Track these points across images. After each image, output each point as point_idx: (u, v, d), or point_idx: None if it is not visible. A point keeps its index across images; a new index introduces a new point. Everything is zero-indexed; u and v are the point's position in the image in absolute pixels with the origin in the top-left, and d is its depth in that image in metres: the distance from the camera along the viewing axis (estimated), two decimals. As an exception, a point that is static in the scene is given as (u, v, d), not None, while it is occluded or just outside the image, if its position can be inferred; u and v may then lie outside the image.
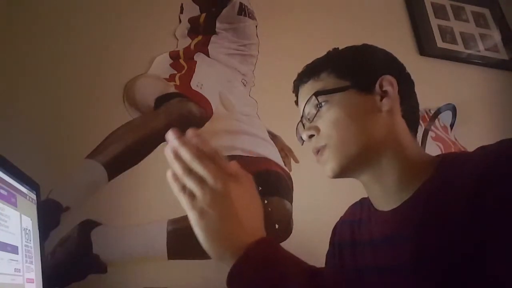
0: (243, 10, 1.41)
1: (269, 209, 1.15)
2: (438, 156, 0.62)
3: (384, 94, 0.64)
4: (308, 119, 0.67)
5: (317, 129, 0.64)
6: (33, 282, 0.66)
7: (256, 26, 1.42)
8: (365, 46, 0.71)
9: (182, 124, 1.17)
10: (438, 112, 1.50)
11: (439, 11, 1.78)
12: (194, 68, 1.27)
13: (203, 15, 1.36)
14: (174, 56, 1.27)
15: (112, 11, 1.25)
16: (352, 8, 1.60)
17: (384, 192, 0.63)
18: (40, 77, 1.09)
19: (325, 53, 0.72)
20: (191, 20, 1.34)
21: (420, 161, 0.61)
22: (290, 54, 1.35)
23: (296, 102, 0.74)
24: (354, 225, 0.72)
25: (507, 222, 0.44)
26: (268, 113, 1.29)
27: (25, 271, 0.63)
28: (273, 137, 1.27)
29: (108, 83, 1.15)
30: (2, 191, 0.60)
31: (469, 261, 0.46)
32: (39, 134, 1.03)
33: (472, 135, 1.51)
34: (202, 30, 1.34)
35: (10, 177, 0.64)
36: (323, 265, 0.80)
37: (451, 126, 1.53)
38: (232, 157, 1.18)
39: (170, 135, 0.50)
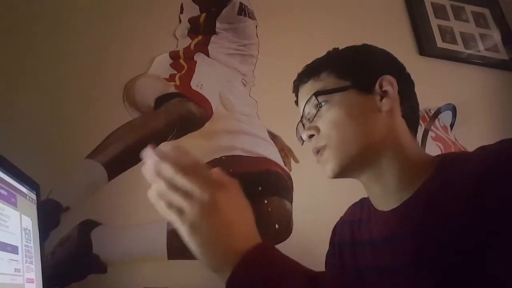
0: (243, 10, 1.41)
1: (269, 209, 1.15)
2: (438, 156, 0.62)
3: (384, 94, 0.64)
4: (308, 119, 0.67)
5: (317, 129, 0.64)
6: (33, 282, 0.66)
7: (256, 26, 1.42)
8: (365, 46, 0.71)
9: (182, 124, 1.17)
10: (438, 112, 1.50)
11: (439, 11, 1.78)
12: (194, 68, 1.27)
13: (203, 15, 1.36)
14: (174, 56, 1.27)
15: (112, 11, 1.25)
16: (352, 8, 1.60)
17: (384, 192, 0.63)
18: (40, 77, 1.09)
19: (325, 53, 0.72)
20: (191, 20, 1.34)
21: (420, 161, 0.61)
22: (290, 54, 1.35)
23: (296, 102, 0.74)
24: (354, 225, 0.72)
25: (507, 222, 0.44)
26: (268, 113, 1.29)
27: (25, 271, 0.63)
28: (273, 137, 1.27)
29: (108, 83, 1.15)
30: (2, 191, 0.60)
31: (469, 261, 0.46)
32: (39, 134, 1.03)
33: (472, 135, 1.51)
34: (202, 30, 1.34)
35: (10, 177, 0.64)
36: (323, 265, 0.81)
37: (451, 126, 1.53)
38: (232, 157, 1.18)
39: (148, 152, 0.48)
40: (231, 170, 1.17)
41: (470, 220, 0.46)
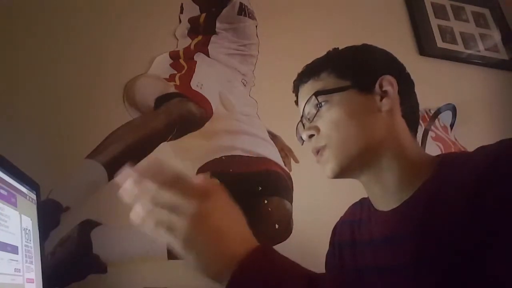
0: (243, 10, 1.41)
1: (269, 209, 1.15)
2: (438, 156, 0.62)
3: (384, 94, 0.64)
4: (308, 119, 0.67)
5: (317, 129, 0.64)
6: (33, 282, 0.66)
7: (256, 26, 1.41)
8: (365, 46, 0.71)
9: (182, 124, 1.17)
10: (438, 112, 1.50)
11: (439, 11, 1.78)
12: (194, 68, 1.27)
13: (203, 15, 1.36)
14: (174, 56, 1.27)
15: (112, 11, 1.25)
16: (352, 8, 1.60)
17: (384, 192, 0.63)
18: (40, 77, 1.09)
19: (325, 53, 0.72)
20: (191, 20, 1.34)
21: (420, 161, 0.61)
22: (290, 54, 1.35)
23: (296, 102, 0.74)
24: (354, 225, 0.72)
25: (507, 222, 0.44)
26: (268, 113, 1.29)
27: (25, 271, 0.63)
28: (273, 137, 1.27)
29: (108, 83, 1.15)
30: (2, 191, 0.60)
31: (469, 261, 0.46)
32: (39, 134, 1.03)
33: (472, 135, 1.51)
34: (202, 30, 1.34)
35: (10, 177, 0.64)
36: (323, 265, 0.81)
37: (451, 126, 1.53)
38: (232, 157, 1.18)
39: (124, 173, 0.45)
40: (231, 170, 1.17)
41: (470, 220, 0.46)
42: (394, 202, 0.61)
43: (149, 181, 0.44)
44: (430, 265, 0.50)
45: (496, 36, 1.84)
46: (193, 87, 1.23)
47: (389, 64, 0.69)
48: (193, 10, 1.36)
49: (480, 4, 1.90)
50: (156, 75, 1.22)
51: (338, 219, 0.81)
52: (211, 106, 1.23)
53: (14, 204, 0.63)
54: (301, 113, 0.69)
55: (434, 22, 1.73)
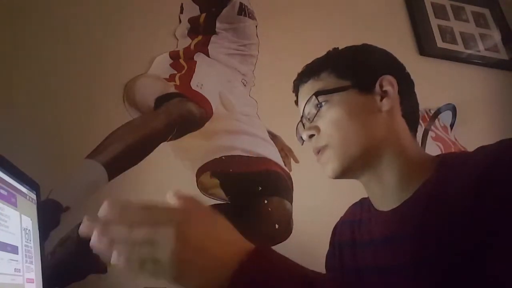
0: (243, 10, 1.41)
1: (269, 209, 1.15)
2: (438, 156, 0.62)
3: (384, 94, 0.64)
4: (308, 119, 0.67)
5: (317, 129, 0.64)
6: (33, 282, 0.66)
7: (256, 26, 1.42)
8: (365, 46, 0.71)
9: (182, 124, 1.17)
10: (438, 112, 1.50)
11: (439, 11, 1.78)
12: (194, 68, 1.27)
13: (203, 15, 1.36)
14: (174, 56, 1.27)
15: (112, 11, 1.25)
16: (352, 8, 1.60)
17: (384, 192, 0.63)
18: (40, 77, 1.09)
19: (325, 53, 0.72)
20: (191, 20, 1.34)
21: (420, 161, 0.61)
22: (290, 54, 1.35)
23: (296, 102, 0.74)
24: (354, 225, 0.72)
25: (507, 222, 0.44)
26: (268, 113, 1.29)
27: (25, 271, 0.63)
28: (273, 137, 1.27)
29: (108, 83, 1.15)
30: (2, 191, 0.60)
31: (469, 261, 0.46)
32: (39, 134, 1.03)
33: (472, 135, 1.51)
34: (202, 30, 1.34)
35: (10, 177, 0.64)
36: (323, 265, 0.81)
37: (451, 126, 1.53)
38: (232, 157, 1.18)
39: (86, 225, 0.43)
40: (231, 170, 1.17)
41: (470, 220, 0.46)
42: (394, 202, 0.61)
43: (117, 224, 0.42)
44: (430, 265, 0.50)
45: (496, 36, 1.84)
46: (193, 87, 1.23)
47: (389, 64, 0.69)
48: (193, 10, 1.36)
49: (480, 4, 1.90)
50: (156, 75, 1.22)
51: (338, 219, 0.81)
52: (211, 106, 1.23)
53: (14, 204, 0.63)
54: (301, 113, 0.69)
55: (434, 22, 1.73)
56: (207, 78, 1.27)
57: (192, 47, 1.31)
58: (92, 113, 1.11)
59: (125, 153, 1.07)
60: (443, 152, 1.38)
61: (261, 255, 0.45)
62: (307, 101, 0.66)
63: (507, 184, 0.45)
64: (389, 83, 0.64)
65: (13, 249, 0.59)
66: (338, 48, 0.72)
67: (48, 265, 0.79)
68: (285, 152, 1.26)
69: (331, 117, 0.63)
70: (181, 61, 1.27)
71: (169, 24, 1.31)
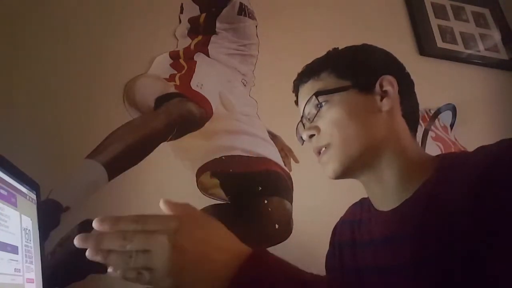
0: (243, 10, 1.41)
1: (269, 209, 1.15)
2: (438, 156, 0.62)
3: (384, 94, 0.64)
4: (308, 119, 0.67)
5: (318, 129, 0.64)
6: (33, 282, 0.66)
7: (256, 26, 1.41)
8: (365, 46, 0.71)
9: (182, 124, 1.17)
10: (438, 112, 1.50)
11: (439, 11, 1.78)
12: (194, 68, 1.27)
13: (203, 15, 1.36)
14: (174, 56, 1.27)
15: (112, 11, 1.25)
16: (352, 8, 1.60)
17: (384, 192, 0.63)
18: (40, 77, 1.09)
19: (325, 53, 0.72)
20: (191, 20, 1.34)
21: (420, 161, 0.61)
22: (290, 54, 1.35)
23: (296, 102, 0.74)
24: (354, 225, 0.72)
25: (507, 222, 0.44)
26: (268, 113, 1.29)
27: (25, 271, 0.63)
28: (273, 137, 1.27)
29: (108, 83, 1.15)
30: (2, 191, 0.60)
31: (469, 261, 0.46)
32: (39, 134, 1.03)
33: (472, 135, 1.51)
34: (202, 30, 1.34)
35: (10, 177, 0.64)
36: (323, 265, 0.81)
37: (451, 126, 1.53)
38: (232, 157, 1.18)
39: (81, 238, 0.44)
40: (231, 170, 1.17)
41: (470, 220, 0.46)
42: (394, 202, 0.61)
43: (112, 234, 0.43)
44: (430, 265, 0.50)
45: (496, 36, 1.84)
46: (193, 87, 1.23)
47: (389, 64, 0.69)
48: (193, 10, 1.36)
49: (480, 4, 1.90)
50: (156, 75, 1.22)
51: (338, 219, 0.81)
52: (211, 106, 1.23)
53: (14, 204, 0.63)
54: (301, 113, 0.69)
55: (434, 22, 1.73)
56: (207, 78, 1.27)
57: (192, 47, 1.31)
58: (92, 113, 1.11)
59: (125, 153, 1.07)
60: (443, 152, 1.38)
61: (259, 259, 0.45)
62: (307, 101, 0.66)
63: (507, 184, 0.45)
64: (389, 83, 0.64)
65: (13, 249, 0.59)
66: (338, 48, 0.72)
67: (48, 265, 0.79)
68: (285, 152, 1.26)
69: (331, 117, 0.63)
70: (181, 61, 1.27)
71: (169, 24, 1.31)
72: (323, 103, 0.64)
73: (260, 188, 1.17)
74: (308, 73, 0.69)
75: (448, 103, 1.53)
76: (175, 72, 1.25)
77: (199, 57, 1.30)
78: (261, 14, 1.43)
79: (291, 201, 1.19)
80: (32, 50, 1.11)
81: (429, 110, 1.50)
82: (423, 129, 1.45)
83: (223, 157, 1.18)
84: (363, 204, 0.73)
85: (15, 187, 0.65)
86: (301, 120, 0.71)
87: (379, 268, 0.60)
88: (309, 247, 1.03)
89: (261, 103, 1.30)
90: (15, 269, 0.59)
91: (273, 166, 1.22)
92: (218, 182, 1.15)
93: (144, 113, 1.16)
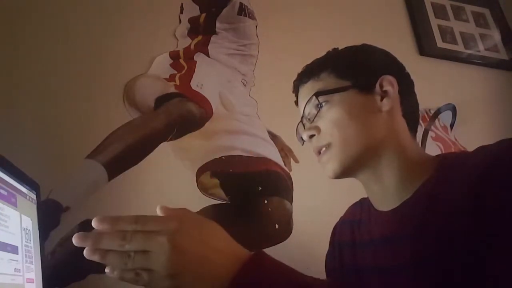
0: (243, 10, 1.41)
1: (269, 209, 1.15)
2: (438, 156, 0.62)
3: (384, 94, 0.64)
4: (309, 119, 0.67)
5: (318, 129, 0.64)
6: (33, 282, 0.66)
7: (256, 26, 1.41)
8: (364, 46, 0.71)
9: (182, 124, 1.17)
10: (438, 112, 1.50)
11: (439, 11, 1.78)
12: (194, 68, 1.27)
13: (203, 15, 1.36)
14: (174, 56, 1.27)
15: (112, 11, 1.25)
16: (352, 8, 1.60)
17: (383, 192, 0.63)
18: (40, 77, 1.09)
19: (325, 53, 0.72)
20: (191, 20, 1.34)
21: (420, 161, 0.61)
22: (290, 54, 1.35)
23: (296, 102, 0.74)
24: (354, 225, 0.72)
25: (507, 222, 0.44)
26: (268, 113, 1.29)
27: (25, 271, 0.63)
28: (273, 137, 1.27)
29: (108, 83, 1.15)
30: (2, 191, 0.60)
31: (469, 261, 0.46)
32: (39, 134, 1.03)
33: (472, 135, 1.51)
34: (202, 30, 1.34)
35: (10, 177, 0.64)
36: (323, 265, 0.81)
37: (451, 126, 1.52)
38: (232, 157, 1.18)
39: (80, 237, 0.44)
40: (231, 170, 1.17)
41: (470, 220, 0.46)
42: (394, 202, 0.61)
43: (110, 236, 0.43)
44: (430, 265, 0.50)
45: (496, 36, 1.84)
46: (193, 87, 1.23)
47: (389, 64, 0.69)
48: (193, 10, 1.36)
49: (480, 4, 1.90)
50: (156, 75, 1.22)
51: (338, 219, 0.81)
52: (211, 106, 1.23)
53: (14, 204, 0.63)
54: (301, 114, 0.69)
55: (434, 22, 1.73)
56: (207, 78, 1.27)
57: (192, 47, 1.31)
58: (92, 113, 1.10)
59: (125, 153, 1.07)
60: (443, 152, 1.38)
61: (258, 262, 0.45)
62: (307, 101, 0.66)
63: (507, 184, 0.45)
64: (389, 83, 0.64)
65: (13, 249, 0.59)
66: (338, 48, 0.72)
67: (48, 265, 0.79)
68: (285, 152, 1.26)
69: (331, 117, 0.63)
70: (181, 61, 1.27)
71: (169, 24, 1.31)
72: (323, 103, 0.64)
73: (260, 188, 1.17)
74: (308, 73, 0.69)
75: (448, 103, 1.53)
76: (175, 72, 1.25)
77: (199, 57, 1.30)
78: (261, 14, 1.43)
79: (291, 201, 1.19)
80: (32, 50, 1.11)
81: (429, 110, 1.50)
82: (423, 129, 1.45)
83: (223, 157, 1.18)
84: (363, 204, 0.73)
85: (15, 187, 0.65)
86: (301, 120, 0.71)
87: (379, 268, 0.61)
88: (309, 247, 1.03)
89: (261, 103, 1.30)
90: (15, 269, 0.59)
91: (273, 166, 1.22)
92: (218, 182, 1.15)
93: (144, 113, 1.16)
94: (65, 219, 0.97)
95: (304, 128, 0.68)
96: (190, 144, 1.17)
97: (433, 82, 1.53)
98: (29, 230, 0.68)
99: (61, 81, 1.10)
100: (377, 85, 0.64)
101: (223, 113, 1.24)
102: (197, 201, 1.09)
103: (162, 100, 1.19)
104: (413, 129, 0.67)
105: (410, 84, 0.70)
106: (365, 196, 0.70)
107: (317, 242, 0.85)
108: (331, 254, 0.79)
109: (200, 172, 1.14)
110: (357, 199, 0.77)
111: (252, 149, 1.22)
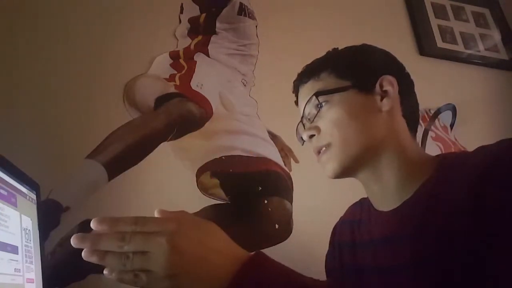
0: (243, 10, 1.41)
1: (269, 209, 1.15)
2: (438, 156, 0.62)
3: (384, 94, 0.64)
4: (309, 119, 0.67)
5: (318, 129, 0.64)
6: (33, 282, 0.66)
7: (256, 26, 1.42)
8: (364, 46, 0.71)
9: (182, 124, 1.17)
10: (438, 112, 1.50)
11: (439, 11, 1.78)
12: (194, 68, 1.27)
13: (203, 15, 1.36)
14: (174, 56, 1.27)
15: (112, 11, 1.25)
16: (352, 8, 1.60)
17: (383, 192, 0.63)
18: (40, 77, 1.09)
19: (325, 53, 0.72)
20: (191, 20, 1.34)
21: (420, 161, 0.61)
22: (290, 54, 1.35)
23: (296, 102, 0.74)
24: (354, 225, 0.72)
25: (507, 222, 0.44)
26: (268, 113, 1.29)
27: (25, 271, 0.63)
28: (273, 137, 1.27)
29: (108, 83, 1.15)
30: (2, 191, 0.60)
31: (469, 261, 0.46)
32: (39, 134, 1.03)
33: (472, 135, 1.51)
34: (202, 30, 1.34)
35: (10, 177, 0.64)
36: (323, 265, 0.81)
37: (451, 126, 1.52)
38: (232, 157, 1.18)
39: (78, 238, 0.43)
40: (231, 170, 1.17)
41: (470, 220, 0.46)
42: (394, 202, 0.61)
43: (109, 236, 0.43)
44: (430, 265, 0.50)
45: (496, 36, 1.84)
46: (193, 87, 1.23)
47: (389, 64, 0.69)
48: (193, 10, 1.36)
49: (480, 4, 1.90)
50: (156, 75, 1.22)
51: (338, 219, 0.81)
52: (211, 106, 1.23)
53: (14, 204, 0.63)
54: (301, 114, 0.69)
55: (434, 22, 1.73)
56: (207, 78, 1.27)
57: (192, 47, 1.31)
58: (92, 113, 1.11)
59: (125, 153, 1.07)
60: (443, 152, 1.38)
61: (257, 263, 0.45)
62: (307, 101, 0.66)
63: (507, 184, 0.45)
64: (389, 83, 0.64)
65: (13, 249, 0.59)
66: (338, 48, 0.72)
67: (48, 265, 0.79)
68: (285, 152, 1.26)
69: (331, 117, 0.63)
70: (181, 61, 1.27)
71: (169, 24, 1.31)
72: (323, 103, 0.64)
73: (260, 188, 1.17)
74: (308, 73, 0.69)
75: (448, 103, 1.53)
76: (175, 72, 1.25)
77: (199, 57, 1.30)
78: (261, 14, 1.43)
79: (291, 201, 1.19)
80: (32, 50, 1.11)
81: (429, 110, 1.50)
82: (423, 129, 1.45)
83: (223, 157, 1.18)
84: (363, 204, 0.73)
85: (15, 187, 0.65)
86: (301, 120, 0.71)
87: (379, 268, 0.60)
88: (309, 247, 1.03)
89: (261, 103, 1.30)
90: (15, 269, 0.59)
91: (273, 166, 1.22)
92: (218, 182, 1.15)
93: (144, 113, 1.16)
94: (65, 219, 0.97)
95: (304, 128, 0.68)
96: (190, 144, 1.17)
97: (433, 82, 1.53)
98: (29, 230, 0.68)
99: (61, 81, 1.10)
100: (377, 85, 0.64)
101: (223, 113, 1.24)
102: (197, 201, 1.09)
103: (162, 100, 1.19)
104: (413, 129, 0.67)
105: (410, 84, 0.70)
106: (365, 196, 0.70)
107: (317, 242, 0.85)
108: (331, 254, 0.79)
109: (200, 172, 1.14)
110: (357, 199, 0.77)
111: (252, 149, 1.22)
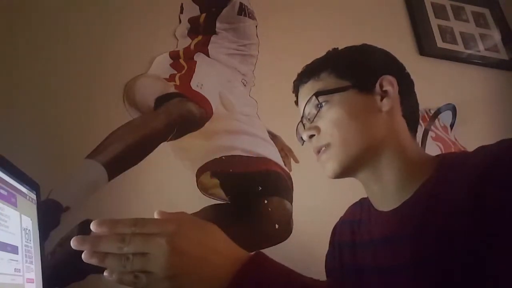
0: (243, 10, 1.41)
1: (269, 209, 1.15)
2: (438, 156, 0.62)
3: (384, 94, 0.64)
4: (309, 119, 0.67)
5: (318, 129, 0.64)
6: (33, 282, 0.66)
7: (256, 26, 1.42)
8: (364, 46, 0.71)
9: (182, 124, 1.17)
10: (438, 112, 1.50)
11: (439, 11, 1.78)
12: (194, 68, 1.27)
13: (203, 15, 1.36)
14: (174, 56, 1.27)
15: (112, 11, 1.25)
16: (352, 8, 1.60)
17: (383, 192, 0.63)
18: (40, 77, 1.09)
19: (325, 53, 0.72)
20: (191, 20, 1.34)
21: (420, 161, 0.61)
22: (290, 54, 1.35)
23: (296, 102, 0.74)
24: (354, 225, 0.72)
25: (507, 222, 0.44)
26: (268, 113, 1.29)
27: (25, 271, 0.63)
28: (273, 137, 1.27)
29: (108, 83, 1.15)
30: (2, 191, 0.60)
31: (469, 261, 0.46)
32: (39, 134, 1.03)
33: (472, 135, 1.51)
34: (202, 30, 1.34)
35: (10, 177, 0.64)
36: (323, 265, 0.81)
37: (451, 126, 1.52)
38: (232, 157, 1.18)
39: (78, 241, 0.43)
40: (231, 170, 1.17)
41: (470, 220, 0.46)
42: (394, 202, 0.61)
43: (109, 237, 0.43)
44: (430, 265, 0.50)
45: (496, 36, 1.84)
46: (193, 87, 1.23)
47: (389, 64, 0.69)
48: (193, 10, 1.36)
49: (480, 4, 1.90)
50: (156, 75, 1.22)
51: (338, 219, 0.81)
52: (211, 106, 1.23)
53: (14, 204, 0.63)
54: (301, 114, 0.69)
55: (434, 22, 1.73)
56: (207, 78, 1.27)
57: (192, 47, 1.31)
58: (92, 113, 1.11)
59: (125, 153, 1.07)
60: (443, 152, 1.38)
61: (257, 263, 0.45)
62: (307, 101, 0.66)
63: (507, 184, 0.45)
64: (389, 83, 0.64)
65: (13, 249, 0.59)
66: (338, 48, 0.72)
67: (48, 265, 0.79)
68: (285, 152, 1.26)
69: (331, 117, 0.63)
70: (181, 61, 1.27)
71: (169, 24, 1.31)
72: (323, 103, 0.64)
73: (260, 188, 1.17)
74: (308, 73, 0.69)
75: (448, 103, 1.53)
76: (175, 72, 1.25)
77: (199, 57, 1.30)
78: (261, 14, 1.43)
79: (291, 201, 1.19)
80: (32, 50, 1.11)
81: (429, 110, 1.50)
82: (423, 129, 1.45)
83: (223, 157, 1.18)
84: (363, 204, 0.73)
85: (15, 187, 0.65)
86: (301, 120, 0.71)
87: (379, 268, 0.60)
88: (309, 247, 1.03)
89: (261, 103, 1.30)
90: (15, 269, 0.59)
91: (273, 166, 1.22)
92: (218, 182, 1.15)
93: (144, 113, 1.16)
94: (65, 219, 0.97)
95: (304, 128, 0.68)
96: (190, 144, 1.17)
97: (433, 82, 1.53)
98: (29, 230, 0.68)
99: (61, 81, 1.10)
100: (377, 85, 0.64)
101: (223, 113, 1.24)
102: (197, 201, 1.08)
103: (162, 100, 1.19)
104: (413, 129, 0.67)
105: (410, 84, 0.70)
106: (365, 196, 0.70)
107: (317, 242, 0.85)
108: (331, 254, 0.79)
109: (200, 172, 1.14)
110: (357, 199, 0.77)
111: (252, 149, 1.22)
